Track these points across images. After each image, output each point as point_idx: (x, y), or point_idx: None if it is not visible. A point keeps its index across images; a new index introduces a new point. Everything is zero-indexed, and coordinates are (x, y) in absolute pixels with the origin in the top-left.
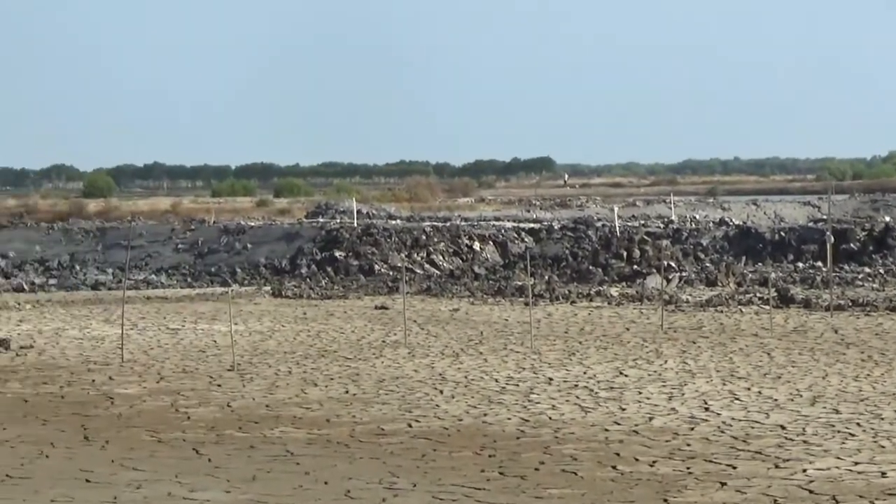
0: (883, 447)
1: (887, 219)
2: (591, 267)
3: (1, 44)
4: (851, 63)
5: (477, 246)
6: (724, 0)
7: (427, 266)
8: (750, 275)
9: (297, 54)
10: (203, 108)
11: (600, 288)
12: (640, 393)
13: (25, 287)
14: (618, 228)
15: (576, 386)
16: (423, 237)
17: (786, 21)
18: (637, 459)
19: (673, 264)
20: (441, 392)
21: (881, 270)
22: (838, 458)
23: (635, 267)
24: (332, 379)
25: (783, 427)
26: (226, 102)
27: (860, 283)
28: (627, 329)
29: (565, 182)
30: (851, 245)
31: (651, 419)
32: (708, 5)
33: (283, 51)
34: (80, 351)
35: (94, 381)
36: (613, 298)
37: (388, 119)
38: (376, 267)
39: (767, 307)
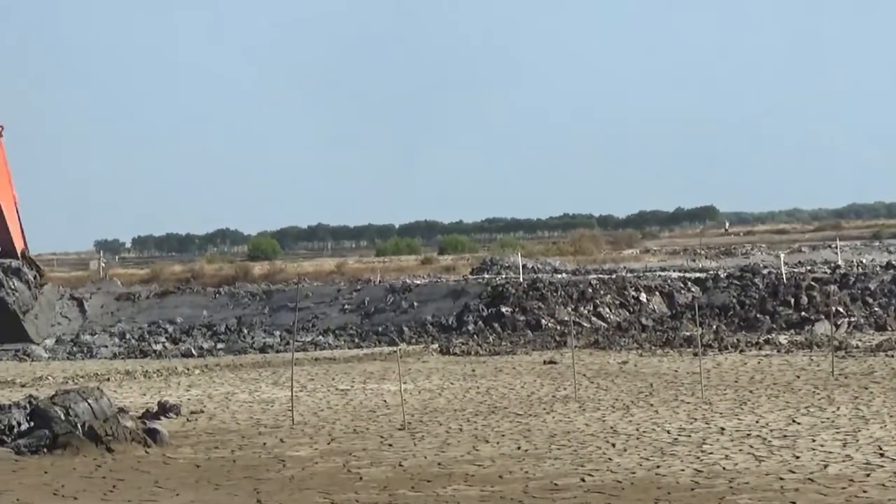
0: None
1: None
2: (758, 315)
3: (161, 110)
4: None
5: (643, 297)
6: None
7: (594, 319)
8: None
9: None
10: (364, 168)
11: (769, 336)
12: (814, 440)
13: (194, 352)
14: (784, 275)
15: (748, 435)
16: (590, 290)
17: None
18: None
19: (841, 310)
20: (613, 445)
21: None
22: None
23: (803, 314)
24: (503, 435)
25: None
26: (388, 161)
27: None
28: (798, 376)
29: (726, 230)
30: None
31: (826, 466)
32: (868, 52)
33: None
34: (250, 414)
35: (265, 444)
36: (782, 346)
37: (550, 173)
38: (543, 321)
39: None
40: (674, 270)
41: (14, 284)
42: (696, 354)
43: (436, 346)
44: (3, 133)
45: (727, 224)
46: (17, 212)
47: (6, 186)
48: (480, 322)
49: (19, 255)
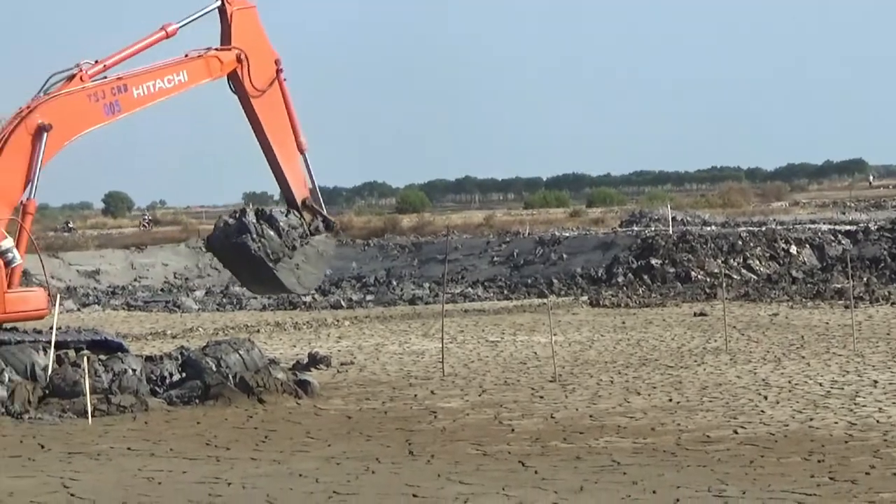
0: None
1: None
2: None
3: (315, 68)
4: None
5: (793, 250)
6: None
7: (744, 271)
8: None
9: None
10: (549, 119)
11: None
12: None
13: (343, 304)
14: None
15: None
16: (739, 242)
17: None
18: None
19: None
20: (765, 398)
21: None
22: None
23: None
24: (654, 387)
25: None
26: (534, 111)
27: None
28: None
29: (870, 183)
30: None
31: None
32: None
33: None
34: (400, 366)
35: (416, 395)
36: None
37: (697, 126)
38: (693, 273)
39: None
40: (823, 223)
41: (263, 231)
42: (847, 307)
43: (585, 298)
44: (282, 68)
45: (871, 177)
46: (305, 159)
47: (286, 131)
48: (630, 274)
49: (299, 203)
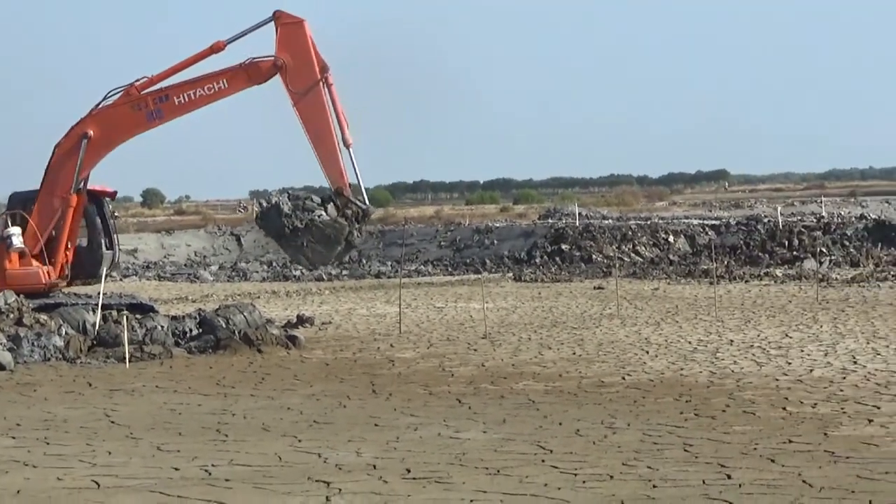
0: None
1: None
2: (759, 254)
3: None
4: None
5: (671, 239)
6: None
7: (633, 255)
8: (885, 257)
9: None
10: (485, 133)
11: (767, 270)
12: (802, 351)
13: (325, 277)
14: (780, 223)
15: (752, 346)
16: (630, 233)
17: None
18: (802, 402)
19: (824, 250)
20: (647, 352)
21: None
22: None
23: (794, 253)
24: (562, 343)
25: None
26: (476, 125)
27: None
28: (790, 301)
29: (725, 189)
30: None
31: (811, 371)
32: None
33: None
34: (367, 325)
35: (379, 348)
36: (778, 278)
37: (599, 141)
38: (594, 256)
39: None
40: (694, 218)
41: (278, 212)
42: (711, 283)
43: (511, 274)
44: (328, 75)
45: (727, 184)
46: (350, 155)
47: (326, 129)
48: (545, 256)
49: (333, 191)
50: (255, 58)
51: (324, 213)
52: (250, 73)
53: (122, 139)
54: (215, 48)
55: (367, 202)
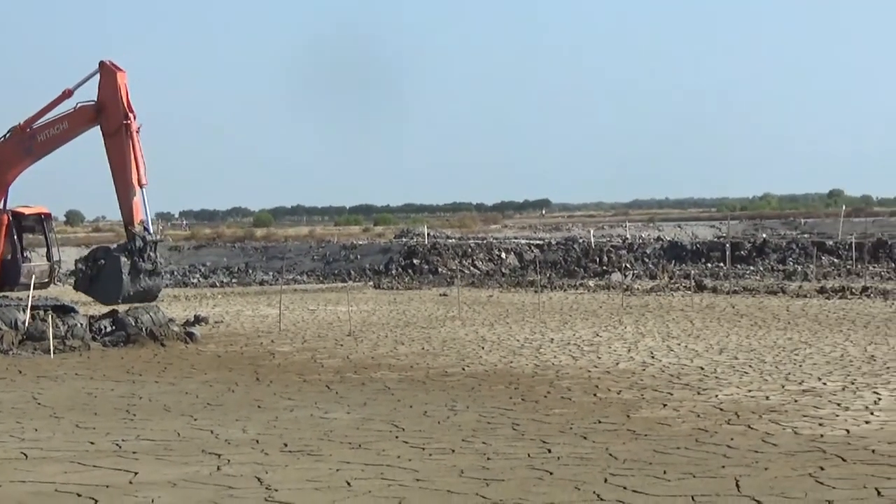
0: (766, 380)
1: (763, 235)
2: (576, 268)
3: (202, 112)
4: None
5: (503, 255)
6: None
7: (472, 268)
8: (677, 272)
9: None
10: (349, 164)
11: (582, 281)
12: (610, 347)
13: (217, 284)
14: (593, 243)
15: (569, 343)
16: (469, 250)
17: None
18: (609, 389)
19: (628, 265)
20: (483, 348)
21: (761, 268)
22: (738, 387)
23: (604, 267)
24: (413, 340)
25: (702, 368)
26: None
27: (748, 276)
28: (600, 307)
29: (542, 214)
30: (742, 252)
31: (618, 364)
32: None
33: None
34: (253, 324)
35: (262, 342)
36: (591, 288)
37: (445, 173)
38: (439, 269)
39: (689, 292)
40: (522, 239)
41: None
42: (536, 292)
43: (371, 283)
44: (131, 122)
45: (543, 210)
46: (143, 194)
47: (125, 169)
48: (400, 269)
49: (125, 226)
50: (81, 102)
51: (114, 256)
52: (82, 116)
53: (15, 169)
54: (66, 94)
55: (153, 234)
